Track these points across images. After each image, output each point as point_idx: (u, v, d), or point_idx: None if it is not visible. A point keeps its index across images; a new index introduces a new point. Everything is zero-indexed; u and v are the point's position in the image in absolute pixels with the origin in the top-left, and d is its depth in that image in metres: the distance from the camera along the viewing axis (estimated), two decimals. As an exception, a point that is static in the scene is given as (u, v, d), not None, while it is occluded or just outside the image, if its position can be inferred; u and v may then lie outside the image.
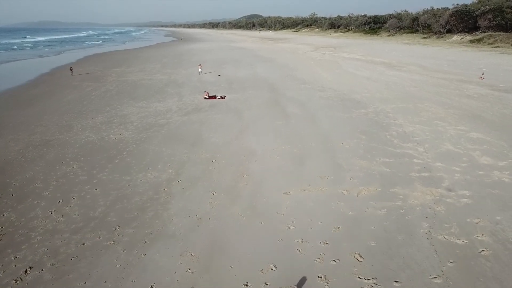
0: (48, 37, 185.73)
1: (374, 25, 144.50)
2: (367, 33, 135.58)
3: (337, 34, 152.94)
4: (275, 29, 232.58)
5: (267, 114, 26.14)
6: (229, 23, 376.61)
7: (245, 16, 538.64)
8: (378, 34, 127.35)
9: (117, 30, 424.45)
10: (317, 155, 17.54)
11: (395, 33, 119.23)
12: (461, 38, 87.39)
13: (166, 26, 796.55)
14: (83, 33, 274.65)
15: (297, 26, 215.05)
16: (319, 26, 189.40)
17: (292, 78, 42.46)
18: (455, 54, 58.16)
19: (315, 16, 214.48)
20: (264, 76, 44.31)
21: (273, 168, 16.17)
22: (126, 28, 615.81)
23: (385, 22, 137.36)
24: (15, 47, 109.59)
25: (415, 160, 16.34)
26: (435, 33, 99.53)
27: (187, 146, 19.61)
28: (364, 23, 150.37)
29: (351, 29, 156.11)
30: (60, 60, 70.64)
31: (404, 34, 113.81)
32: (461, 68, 44.26)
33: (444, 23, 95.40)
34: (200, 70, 47.86)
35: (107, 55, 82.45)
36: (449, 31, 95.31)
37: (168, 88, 38.15)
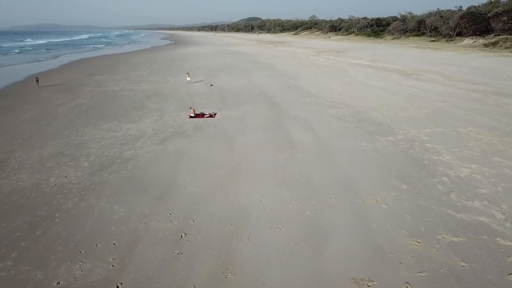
0: (49, 40, 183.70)
1: (377, 27, 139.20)
2: (370, 36, 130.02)
3: (338, 37, 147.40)
4: (274, 32, 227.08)
5: (267, 142, 20.18)
6: (228, 25, 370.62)
7: (244, 18, 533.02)
8: (382, 37, 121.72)
9: (117, 33, 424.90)
10: (341, 223, 11.57)
11: (400, 36, 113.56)
12: (473, 42, 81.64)
13: (165, 29, 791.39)
14: (85, 36, 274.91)
15: (296, 29, 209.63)
16: (320, 29, 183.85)
17: (295, 89, 36.52)
18: (475, 60, 52.25)
19: (315, 18, 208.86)
20: (263, 86, 38.37)
21: (275, 252, 10.19)
22: (126, 31, 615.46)
23: (388, 24, 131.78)
24: (17, 50, 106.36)
25: (500, 241, 10.34)
26: (444, 36, 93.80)
27: (151, 200, 13.60)
28: (366, 26, 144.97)
29: (353, 31, 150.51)
30: (48, 65, 64.47)
31: (410, 37, 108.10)
32: (490, 77, 38.35)
33: (454, 26, 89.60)
34: (188, 79, 41.94)
35: (96, 60, 76.54)
36: (459, 34, 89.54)
37: (150, 102, 32.20)
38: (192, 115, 26.76)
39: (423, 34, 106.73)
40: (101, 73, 53.02)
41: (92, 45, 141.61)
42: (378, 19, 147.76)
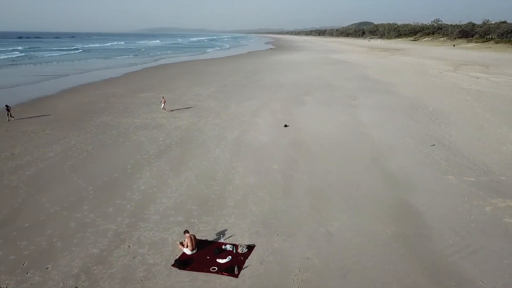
0: (166, 43, 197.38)
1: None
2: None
3: (471, 44, 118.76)
4: (388, 38, 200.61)
5: None
6: (337, 30, 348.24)
7: (355, 23, 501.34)
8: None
9: (230, 36, 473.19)
10: None
11: None
12: None
13: (274, 33, 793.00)
14: (203, 38, 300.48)
15: (415, 34, 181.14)
16: (445, 34, 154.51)
17: (446, 151, 17.76)
18: None
19: (439, 22, 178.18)
20: (378, 138, 20.27)
21: None
22: (239, 35, 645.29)
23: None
24: (136, 52, 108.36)
25: None
26: None
27: None
28: (510, 31, 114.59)
29: (492, 38, 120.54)
30: (112, 73, 53.34)
31: None
32: None
33: None
34: (163, 105, 28.41)
35: (172, 67, 64.21)
36: None
37: (149, 170, 16.61)
38: (189, 252, 10.12)
39: None
40: (154, 88, 39.63)
41: (202, 48, 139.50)
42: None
